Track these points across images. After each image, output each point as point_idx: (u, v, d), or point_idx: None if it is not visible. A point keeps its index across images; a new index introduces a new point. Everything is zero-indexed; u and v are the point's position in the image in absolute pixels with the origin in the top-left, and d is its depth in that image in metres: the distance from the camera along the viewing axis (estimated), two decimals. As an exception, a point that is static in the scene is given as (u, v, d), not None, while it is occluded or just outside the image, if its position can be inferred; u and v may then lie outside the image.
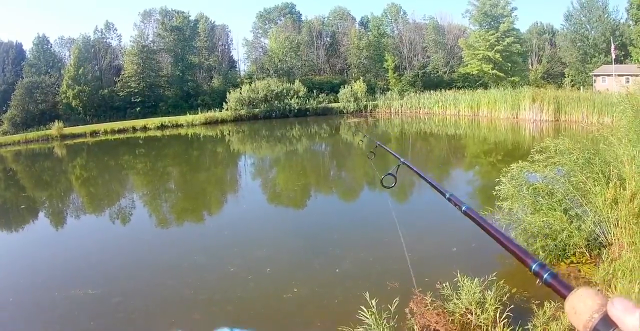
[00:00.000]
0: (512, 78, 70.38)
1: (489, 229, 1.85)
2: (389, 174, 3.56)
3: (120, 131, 55.29)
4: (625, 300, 1.03)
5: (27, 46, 75.11)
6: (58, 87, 66.57)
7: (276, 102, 63.00)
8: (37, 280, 11.71)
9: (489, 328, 6.96)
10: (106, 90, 71.04)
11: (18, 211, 21.57)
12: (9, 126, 59.72)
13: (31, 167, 36.71)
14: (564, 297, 1.22)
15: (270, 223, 16.37)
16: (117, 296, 10.20)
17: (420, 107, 59.92)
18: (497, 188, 10.49)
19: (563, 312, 6.52)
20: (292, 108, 63.03)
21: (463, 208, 2.14)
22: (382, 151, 5.46)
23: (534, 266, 1.49)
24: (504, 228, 9.72)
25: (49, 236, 16.79)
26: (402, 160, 3.63)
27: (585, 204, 9.77)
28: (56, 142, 50.86)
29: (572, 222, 9.47)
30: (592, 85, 68.93)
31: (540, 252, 9.29)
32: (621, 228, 8.85)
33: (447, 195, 2.41)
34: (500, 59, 70.87)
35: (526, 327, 6.76)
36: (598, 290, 1.23)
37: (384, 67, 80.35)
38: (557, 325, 6.38)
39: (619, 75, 59.37)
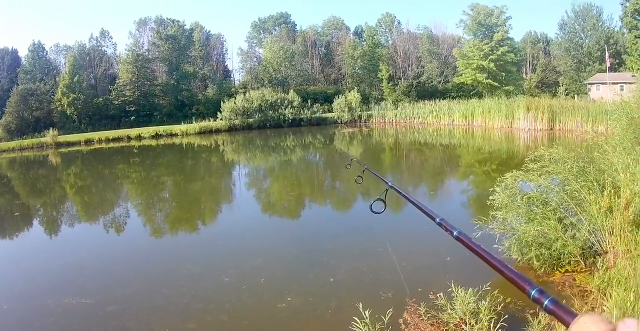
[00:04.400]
0: (507, 87, 70.63)
1: (483, 255, 1.83)
2: (379, 199, 3.54)
3: (114, 140, 55.20)
4: (633, 326, 1.00)
5: (23, 53, 75.85)
6: (53, 95, 66.87)
7: (270, 112, 63.00)
8: (31, 288, 11.64)
9: (484, 337, 6.93)
10: (101, 99, 71.30)
11: (12, 218, 21.45)
12: (4, 133, 59.99)
13: (25, 175, 36.61)
14: (566, 325, 1.21)
15: (264, 232, 16.32)
16: (111, 305, 10.14)
17: (414, 117, 60.07)
18: (491, 197, 10.47)
19: (557, 321, 6.50)
20: (286, 118, 63.07)
21: (455, 233, 2.12)
22: (371, 172, 5.45)
23: (533, 293, 1.48)
24: (497, 238, 9.73)
25: (42, 244, 16.67)
26: (389, 184, 3.63)
27: (580, 213, 9.77)
28: (51, 149, 50.80)
29: (566, 230, 9.47)
30: (586, 93, 69.31)
31: (535, 261, 9.29)
32: (616, 236, 8.84)
33: (438, 220, 2.40)
34: (495, 68, 71.06)
35: (521, 337, 6.73)
36: (602, 314, 1.18)
37: (379, 77, 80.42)
38: (552, 334, 6.36)
39: (613, 83, 59.58)
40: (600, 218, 9.18)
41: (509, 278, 1.63)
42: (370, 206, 3.55)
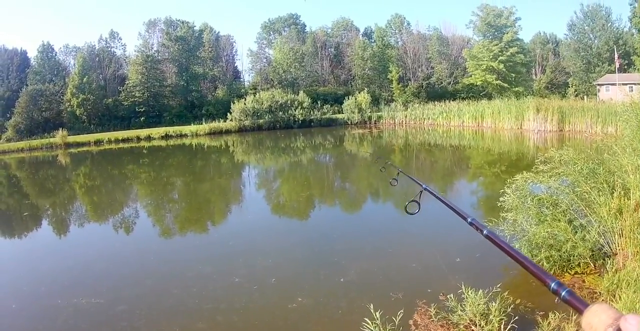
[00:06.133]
0: (516, 88, 70.40)
1: (511, 252, 1.98)
2: (413, 201, 3.62)
3: (124, 140, 55.42)
4: (638, 317, 1.12)
5: (32, 54, 76.07)
6: (62, 95, 67.00)
7: (280, 113, 63.16)
8: (40, 288, 11.70)
9: (493, 339, 6.95)
10: (110, 99, 71.60)
11: (21, 218, 21.58)
12: (13, 133, 60.18)
13: (35, 175, 36.78)
14: (580, 313, 1.36)
15: (275, 233, 16.36)
16: (121, 305, 10.19)
17: (424, 118, 60.12)
18: (501, 199, 10.48)
19: (567, 323, 6.54)
20: (296, 119, 63.18)
21: (485, 232, 2.28)
22: (404, 175, 5.48)
23: (552, 285, 1.64)
24: (508, 239, 9.72)
25: (52, 244, 16.77)
26: (424, 186, 3.69)
27: (590, 214, 9.76)
28: (60, 150, 51.06)
29: (576, 232, 9.46)
30: (596, 94, 69.05)
31: (545, 263, 9.28)
32: (626, 238, 8.84)
33: (469, 220, 2.57)
34: (504, 69, 70.83)
35: (531, 338, 6.75)
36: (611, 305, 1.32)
37: (388, 78, 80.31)
38: (562, 336, 6.37)
39: (622, 84, 59.38)
40: (610, 220, 9.18)
41: (533, 273, 1.80)
42: (405, 207, 3.67)
